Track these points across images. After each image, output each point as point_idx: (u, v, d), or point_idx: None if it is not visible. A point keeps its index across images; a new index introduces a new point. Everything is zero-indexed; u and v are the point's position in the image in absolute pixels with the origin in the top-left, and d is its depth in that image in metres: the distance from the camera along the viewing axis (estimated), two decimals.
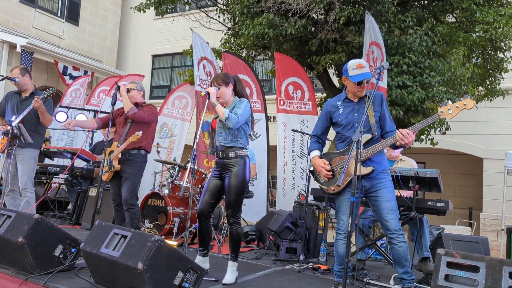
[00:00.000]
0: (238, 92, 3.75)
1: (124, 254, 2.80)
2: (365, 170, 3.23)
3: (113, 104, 4.49)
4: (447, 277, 2.05)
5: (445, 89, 7.19)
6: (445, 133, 8.07)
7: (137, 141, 4.33)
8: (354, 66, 3.30)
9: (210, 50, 7.77)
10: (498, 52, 8.00)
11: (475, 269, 2.02)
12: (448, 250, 2.11)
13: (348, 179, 3.23)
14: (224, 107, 3.63)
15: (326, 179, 3.34)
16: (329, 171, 3.31)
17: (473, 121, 11.45)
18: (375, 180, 3.28)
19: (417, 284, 3.72)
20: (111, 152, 4.47)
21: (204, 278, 3.44)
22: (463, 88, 7.32)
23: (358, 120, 3.29)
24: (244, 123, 3.62)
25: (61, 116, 7.56)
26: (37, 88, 5.06)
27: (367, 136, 3.26)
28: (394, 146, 3.28)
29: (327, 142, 3.73)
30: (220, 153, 3.59)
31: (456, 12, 7.91)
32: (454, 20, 8.24)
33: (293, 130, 6.16)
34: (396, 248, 3.22)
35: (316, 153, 3.47)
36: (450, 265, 2.07)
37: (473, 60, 8.11)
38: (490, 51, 7.99)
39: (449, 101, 3.19)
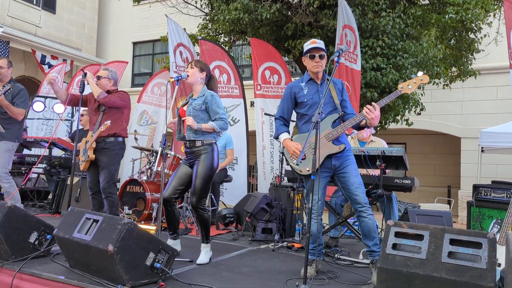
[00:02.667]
0: (210, 86, 3.81)
1: (96, 238, 2.88)
2: (337, 148, 3.33)
3: (81, 92, 4.45)
4: (394, 246, 2.19)
5: (418, 70, 7.32)
6: (420, 114, 8.25)
7: (109, 129, 4.34)
8: (308, 43, 3.43)
9: (187, 36, 7.79)
10: (469, 33, 8.16)
11: (420, 237, 2.16)
12: (397, 221, 2.25)
13: (321, 159, 3.32)
14: (192, 98, 3.70)
15: (301, 161, 3.41)
16: (300, 151, 3.37)
17: (450, 101, 11.67)
18: (343, 158, 3.38)
19: None
20: (87, 141, 4.49)
21: (179, 259, 3.58)
22: (436, 69, 7.47)
23: (324, 100, 3.33)
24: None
25: (38, 106, 7.56)
26: (15, 78, 5.06)
27: (335, 116, 3.38)
28: (358, 127, 3.40)
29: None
30: (188, 143, 3.66)
31: None
32: (426, 2, 8.36)
33: (265, 113, 6.26)
34: (365, 221, 3.33)
35: (286, 135, 3.52)
36: (397, 234, 2.21)
37: (446, 41, 8.26)
38: (462, 32, 8.14)
39: (412, 76, 3.42)
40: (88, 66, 10.69)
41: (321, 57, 3.40)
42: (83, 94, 4.50)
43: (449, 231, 2.12)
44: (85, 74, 4.44)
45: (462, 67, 8.73)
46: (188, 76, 3.68)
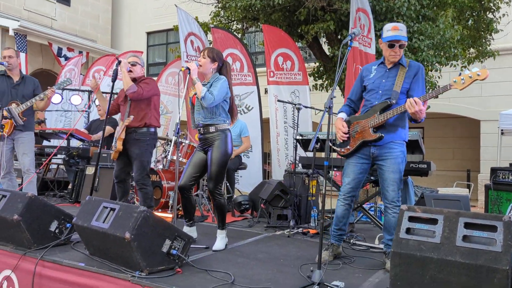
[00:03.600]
0: (222, 73, 3.78)
1: (113, 226, 2.94)
2: (373, 136, 3.21)
3: (114, 80, 4.33)
4: (408, 230, 2.18)
5: (435, 52, 7.19)
6: (437, 97, 8.10)
7: (140, 119, 4.30)
8: (389, 28, 3.23)
9: (198, 24, 7.78)
10: (487, 13, 7.96)
11: (434, 222, 2.15)
12: (410, 206, 2.24)
13: (357, 143, 3.27)
14: (204, 84, 3.71)
15: (341, 141, 3.37)
16: (345, 133, 3.32)
17: None
18: (384, 149, 3.24)
19: None
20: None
21: (195, 246, 3.64)
22: (453, 51, 7.32)
23: (384, 86, 3.26)
24: (223, 101, 3.67)
25: (56, 98, 7.66)
26: (33, 71, 5.19)
27: (384, 104, 3.21)
28: (410, 118, 3.21)
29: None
30: (201, 129, 3.69)
31: None
32: None
33: (279, 100, 6.24)
34: (389, 217, 3.27)
35: (341, 115, 3.45)
36: (411, 219, 2.20)
37: (463, 22, 8.08)
38: (479, 12, 7.94)
39: (466, 70, 3.05)
40: (103, 57, 10.79)
41: (401, 46, 3.23)
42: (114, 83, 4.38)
43: (464, 215, 2.10)
44: (119, 62, 4.33)
45: (480, 48, 8.53)
46: (200, 66, 3.68)
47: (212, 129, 3.63)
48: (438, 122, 13.88)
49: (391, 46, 3.21)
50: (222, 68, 3.80)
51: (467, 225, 2.10)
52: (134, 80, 4.37)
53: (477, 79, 2.97)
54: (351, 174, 3.33)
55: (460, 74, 3.02)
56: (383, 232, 3.45)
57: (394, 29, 3.20)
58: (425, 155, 4.52)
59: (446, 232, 2.09)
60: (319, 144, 4.27)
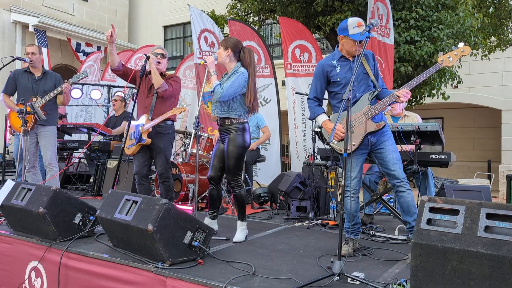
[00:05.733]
0: (242, 61, 3.72)
1: (136, 218, 3.00)
2: (377, 126, 3.29)
3: (141, 77, 4.29)
4: (429, 221, 2.17)
5: (455, 41, 7.07)
6: (457, 87, 8.00)
7: (165, 113, 4.28)
8: (354, 25, 3.28)
9: (211, 20, 7.80)
10: (509, 0, 7.78)
11: (455, 212, 2.14)
12: (431, 197, 2.23)
13: (361, 137, 3.30)
14: (225, 75, 3.73)
15: (338, 140, 3.36)
16: (343, 133, 3.30)
17: (490, 72, 11.23)
18: (379, 134, 3.35)
19: None
20: (138, 124, 4.34)
21: (216, 237, 3.69)
22: (473, 39, 7.19)
23: (357, 78, 3.31)
24: (240, 95, 3.64)
25: (76, 93, 7.81)
26: (53, 67, 5.31)
27: (373, 92, 3.33)
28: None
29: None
30: (218, 120, 3.72)
31: None
32: None
33: (297, 92, 6.23)
34: (404, 196, 3.32)
35: (324, 117, 3.46)
36: (432, 210, 2.19)
37: (484, 10, 7.91)
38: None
39: (453, 48, 3.39)
40: (121, 52, 10.90)
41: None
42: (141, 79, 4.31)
43: (486, 205, 2.09)
44: (148, 58, 4.26)
45: (501, 36, 8.36)
46: (217, 57, 3.71)
47: (228, 122, 3.66)
48: (458, 112, 13.68)
49: (360, 42, 3.24)
50: (241, 55, 3.72)
51: (489, 216, 2.09)
52: (161, 74, 4.36)
53: (463, 54, 3.28)
54: (356, 168, 3.37)
55: (444, 53, 3.29)
56: (403, 217, 3.46)
57: (360, 25, 3.28)
58: (445, 146, 4.49)
59: (467, 223, 2.08)
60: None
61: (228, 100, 3.62)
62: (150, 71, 4.30)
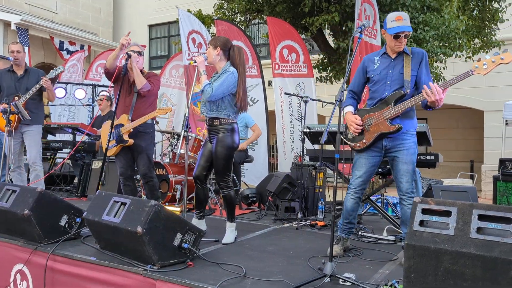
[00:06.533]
0: (231, 60, 3.71)
1: (124, 220, 2.95)
2: (391, 128, 3.16)
3: (123, 75, 4.20)
4: (421, 223, 2.18)
5: (440, 43, 7.16)
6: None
7: (147, 113, 4.21)
8: (392, 18, 3.17)
9: (198, 21, 7.78)
10: (492, 3, 7.91)
11: (447, 214, 2.15)
12: (423, 198, 2.24)
13: (374, 136, 3.22)
14: (215, 74, 3.71)
15: (356, 134, 3.31)
16: (359, 126, 3.27)
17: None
18: (397, 140, 3.21)
19: None
20: (118, 125, 4.22)
21: (205, 239, 3.65)
22: (458, 41, 7.29)
23: (391, 76, 3.22)
24: (229, 94, 3.62)
25: (59, 92, 7.69)
26: (35, 65, 5.21)
27: (397, 94, 3.17)
28: (426, 106, 3.14)
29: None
30: (207, 120, 3.69)
31: None
32: None
33: (285, 93, 6.23)
34: (404, 209, 3.24)
35: (349, 108, 3.39)
36: (424, 211, 2.20)
37: (468, 12, 8.03)
38: (485, 2, 7.90)
39: (487, 56, 2.96)
40: (106, 52, 10.77)
41: (405, 36, 3.17)
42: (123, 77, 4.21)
43: (477, 207, 2.11)
44: (129, 56, 4.13)
45: (485, 38, 8.49)
46: (207, 57, 3.67)
47: (216, 122, 3.63)
48: (442, 113, 13.84)
49: (396, 37, 3.15)
50: (231, 53, 3.70)
51: (481, 217, 2.10)
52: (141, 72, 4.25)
53: (501, 63, 2.88)
54: (363, 168, 3.29)
55: (479, 60, 2.96)
56: (401, 227, 3.41)
57: (399, 19, 3.14)
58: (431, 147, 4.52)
59: (460, 224, 2.09)
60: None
61: (217, 100, 3.60)
62: (131, 69, 4.19)
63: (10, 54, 4.91)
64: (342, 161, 4.55)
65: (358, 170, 3.32)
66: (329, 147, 4.63)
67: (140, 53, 4.26)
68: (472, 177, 12.13)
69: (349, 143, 3.38)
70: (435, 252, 2.09)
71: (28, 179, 5.02)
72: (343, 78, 3.02)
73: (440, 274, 2.08)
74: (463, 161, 13.61)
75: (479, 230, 2.08)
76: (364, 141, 3.26)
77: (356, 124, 3.26)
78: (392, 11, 6.94)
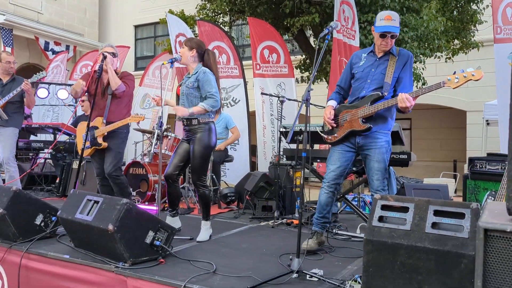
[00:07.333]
0: (205, 63, 3.77)
1: (97, 218, 2.99)
2: (361, 127, 3.24)
3: (99, 76, 4.16)
4: (380, 218, 2.25)
5: (418, 44, 7.27)
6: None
7: (123, 115, 4.20)
8: (382, 17, 3.22)
9: (184, 24, 7.89)
10: (471, 4, 8.05)
11: (405, 210, 2.22)
12: (383, 195, 2.31)
13: (345, 132, 3.30)
14: (188, 76, 3.75)
15: (330, 128, 3.40)
16: (332, 120, 3.36)
17: None
18: (370, 138, 3.28)
19: None
20: (93, 127, 4.23)
21: (180, 237, 3.70)
22: (437, 42, 7.41)
23: (373, 75, 3.29)
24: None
25: (42, 92, 7.67)
26: (20, 66, 5.34)
27: (375, 95, 3.24)
28: (397, 109, 3.24)
29: None
30: (184, 121, 3.72)
31: None
32: None
33: (262, 93, 6.29)
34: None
35: (330, 103, 3.48)
36: (384, 207, 2.27)
37: (448, 13, 8.16)
38: (463, 4, 8.03)
39: (461, 70, 3.04)
40: (91, 52, 10.75)
41: (392, 37, 3.23)
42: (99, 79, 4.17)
43: (434, 203, 2.18)
44: (104, 58, 4.13)
45: (464, 39, 8.64)
46: (181, 57, 3.72)
47: (194, 121, 3.67)
48: (425, 113, 14.02)
49: (382, 36, 3.22)
50: (205, 57, 3.77)
51: (437, 213, 2.18)
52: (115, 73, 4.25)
53: (471, 79, 2.99)
54: (336, 162, 3.36)
55: (454, 73, 3.05)
56: None
57: (387, 19, 3.20)
58: (413, 146, 4.61)
59: (416, 220, 2.17)
60: (302, 136, 4.33)
61: (196, 101, 3.65)
62: (105, 71, 4.19)
63: (5, 64, 5.06)
64: (318, 160, 4.64)
65: (332, 164, 3.39)
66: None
67: (114, 55, 4.25)
68: (455, 177, 12.29)
69: (323, 135, 3.47)
70: (392, 247, 2.16)
71: (3, 180, 5.03)
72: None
73: (397, 268, 2.16)
74: (447, 161, 13.78)
75: (434, 225, 2.15)
76: (335, 135, 3.36)
77: (328, 118, 3.36)
78: (372, 12, 7.08)
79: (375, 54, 3.36)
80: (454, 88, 3.06)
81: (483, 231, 1.39)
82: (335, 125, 3.38)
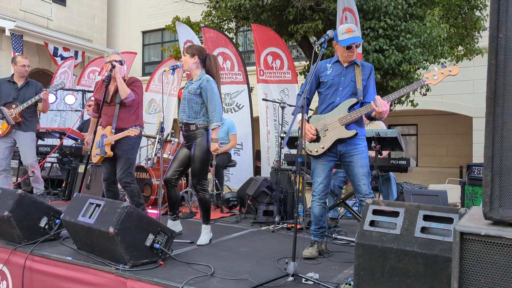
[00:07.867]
0: (208, 69, 3.84)
1: (98, 221, 3.07)
2: (349, 133, 3.31)
3: (107, 86, 4.18)
4: (372, 223, 2.31)
5: (422, 50, 7.30)
6: (425, 94, 8.24)
7: (132, 122, 4.21)
8: (343, 31, 3.34)
9: (193, 32, 7.99)
10: (475, 11, 8.07)
11: (396, 214, 2.28)
12: (375, 200, 2.37)
13: (332, 142, 3.34)
14: (191, 82, 3.83)
15: (309, 142, 3.44)
16: (314, 134, 3.40)
17: (462, 80, 11.55)
18: (351, 145, 3.34)
19: None
20: (103, 135, 4.24)
21: (180, 241, 3.78)
22: (440, 48, 7.44)
23: (343, 83, 3.37)
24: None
25: (50, 97, 7.78)
26: (30, 71, 5.56)
27: (353, 100, 3.32)
28: (370, 118, 3.35)
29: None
30: (183, 126, 3.80)
31: None
32: None
33: (263, 99, 6.36)
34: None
35: (300, 116, 3.40)
36: (375, 212, 2.33)
37: (451, 20, 8.19)
38: (467, 10, 8.06)
39: (435, 67, 3.26)
40: (98, 58, 10.91)
41: (357, 46, 3.36)
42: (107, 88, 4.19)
43: (424, 208, 2.23)
44: (113, 67, 4.13)
45: (468, 45, 8.66)
46: (183, 65, 3.80)
47: (193, 127, 3.75)
48: (431, 119, 14.01)
49: (349, 47, 3.34)
50: (207, 62, 3.84)
51: (426, 218, 2.23)
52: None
53: (449, 75, 3.19)
54: (322, 173, 3.42)
55: (430, 71, 3.23)
56: None
57: (349, 31, 3.33)
58: (419, 152, 4.65)
59: (406, 224, 2.22)
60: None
61: (197, 107, 3.73)
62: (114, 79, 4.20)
63: (21, 67, 5.22)
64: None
65: (318, 177, 3.45)
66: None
67: (121, 62, 4.25)
68: (460, 183, 12.24)
69: (306, 149, 3.50)
70: (382, 250, 2.22)
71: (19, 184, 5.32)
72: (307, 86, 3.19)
73: (387, 271, 2.21)
74: (454, 167, 13.74)
75: (423, 229, 2.21)
76: (322, 146, 3.38)
77: (311, 133, 3.39)
78: (375, 19, 7.13)
79: (341, 64, 3.46)
80: (435, 84, 3.27)
81: (459, 235, 1.45)
82: (315, 138, 3.40)
